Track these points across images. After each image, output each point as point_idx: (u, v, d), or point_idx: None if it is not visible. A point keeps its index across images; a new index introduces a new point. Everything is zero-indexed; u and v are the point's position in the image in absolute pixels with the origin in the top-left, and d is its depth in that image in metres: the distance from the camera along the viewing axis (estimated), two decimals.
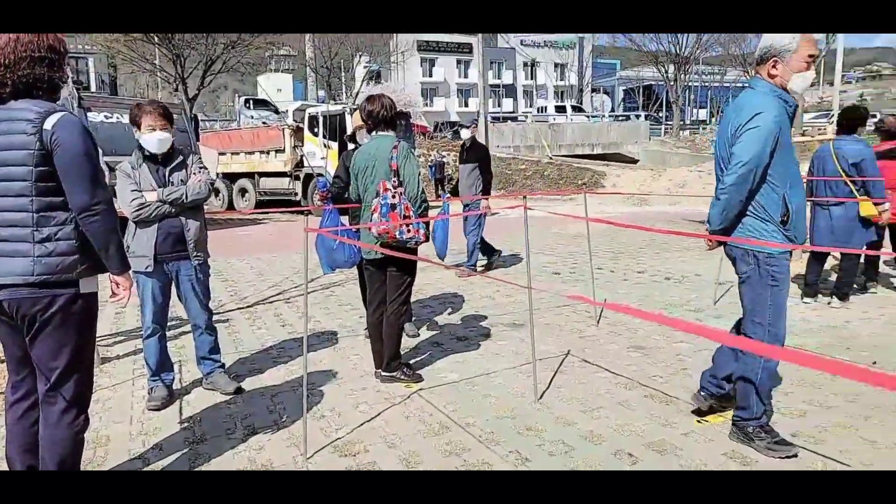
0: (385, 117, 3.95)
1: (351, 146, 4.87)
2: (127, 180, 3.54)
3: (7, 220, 2.22)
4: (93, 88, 22.57)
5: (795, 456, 2.90)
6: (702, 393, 3.30)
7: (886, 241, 6.24)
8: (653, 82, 52.47)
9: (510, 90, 57.07)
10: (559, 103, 47.17)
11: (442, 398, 3.74)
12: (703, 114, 53.17)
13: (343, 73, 41.07)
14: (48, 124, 2.19)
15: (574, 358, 4.40)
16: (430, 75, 54.56)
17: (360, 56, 41.09)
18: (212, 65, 21.81)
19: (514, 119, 39.30)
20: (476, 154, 7.42)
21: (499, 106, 53.46)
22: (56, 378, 2.31)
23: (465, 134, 7.67)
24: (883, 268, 6.75)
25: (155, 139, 3.53)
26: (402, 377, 4.01)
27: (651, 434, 3.19)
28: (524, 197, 4.04)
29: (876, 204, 5.21)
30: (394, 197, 3.77)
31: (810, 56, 2.81)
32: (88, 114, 10.85)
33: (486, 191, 7.37)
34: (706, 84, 53.06)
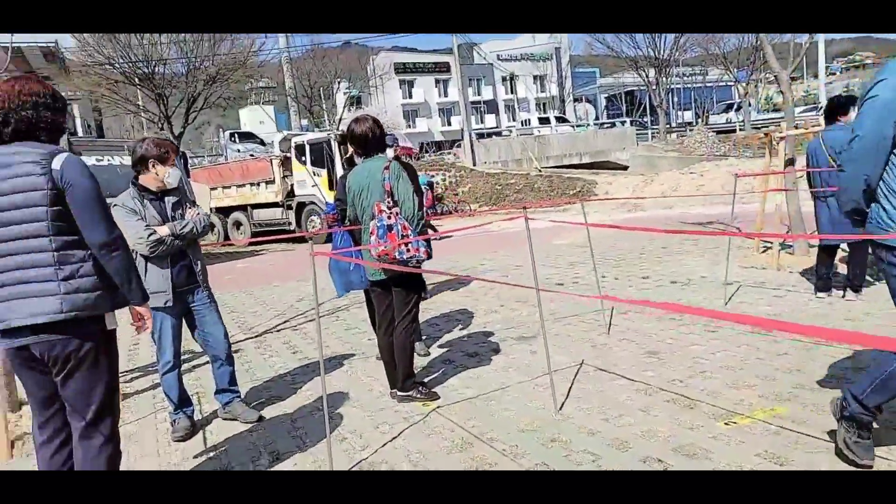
0: (375, 138, 3.99)
1: (342, 169, 4.89)
2: (133, 216, 3.50)
3: (28, 261, 2.22)
4: (80, 133, 22.68)
5: (870, 467, 2.61)
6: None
7: None
8: (634, 88, 52.97)
9: (491, 106, 57.38)
10: (542, 115, 47.49)
11: (461, 415, 3.73)
12: (688, 115, 53.46)
13: (324, 101, 41.30)
14: (56, 164, 2.21)
15: (589, 367, 4.38)
16: (410, 97, 54.85)
17: (339, 82, 41.38)
18: (194, 101, 21.96)
19: (499, 134, 39.58)
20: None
21: (482, 122, 53.81)
22: (93, 415, 2.34)
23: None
24: None
25: (177, 174, 3.65)
26: (418, 396, 4.00)
27: (678, 438, 3.14)
28: (524, 208, 4.02)
29: None
30: (389, 218, 3.78)
31: None
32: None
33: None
34: (689, 85, 53.49)
